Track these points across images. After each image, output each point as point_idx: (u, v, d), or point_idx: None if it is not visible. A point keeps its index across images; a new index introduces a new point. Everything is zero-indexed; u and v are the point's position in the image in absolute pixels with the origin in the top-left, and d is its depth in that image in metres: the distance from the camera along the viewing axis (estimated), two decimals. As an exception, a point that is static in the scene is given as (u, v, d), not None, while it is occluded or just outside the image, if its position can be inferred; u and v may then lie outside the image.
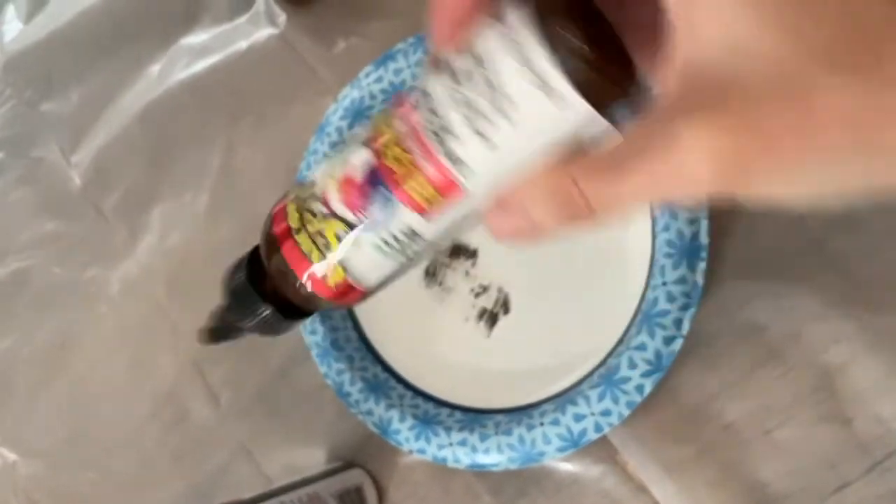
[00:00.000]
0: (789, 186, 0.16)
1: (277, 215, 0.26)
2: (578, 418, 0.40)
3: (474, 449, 0.43)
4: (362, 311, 0.49)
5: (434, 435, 0.44)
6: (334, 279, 0.25)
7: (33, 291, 0.62)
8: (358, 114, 0.49)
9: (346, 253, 0.25)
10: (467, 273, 0.46)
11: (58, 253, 0.61)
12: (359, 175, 0.23)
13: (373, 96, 0.48)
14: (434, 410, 0.45)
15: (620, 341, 0.41)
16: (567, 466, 0.43)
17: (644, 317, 0.40)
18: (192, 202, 0.57)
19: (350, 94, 0.49)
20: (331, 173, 0.25)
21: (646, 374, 0.39)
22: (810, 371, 0.39)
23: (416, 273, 0.48)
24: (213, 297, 0.54)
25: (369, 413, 0.46)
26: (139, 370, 0.56)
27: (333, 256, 0.25)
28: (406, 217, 0.23)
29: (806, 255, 0.39)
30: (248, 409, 0.52)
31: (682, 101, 0.16)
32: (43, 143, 0.64)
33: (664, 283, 0.39)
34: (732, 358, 0.40)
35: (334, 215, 0.24)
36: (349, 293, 0.26)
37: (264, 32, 0.56)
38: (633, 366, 0.40)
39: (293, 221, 0.25)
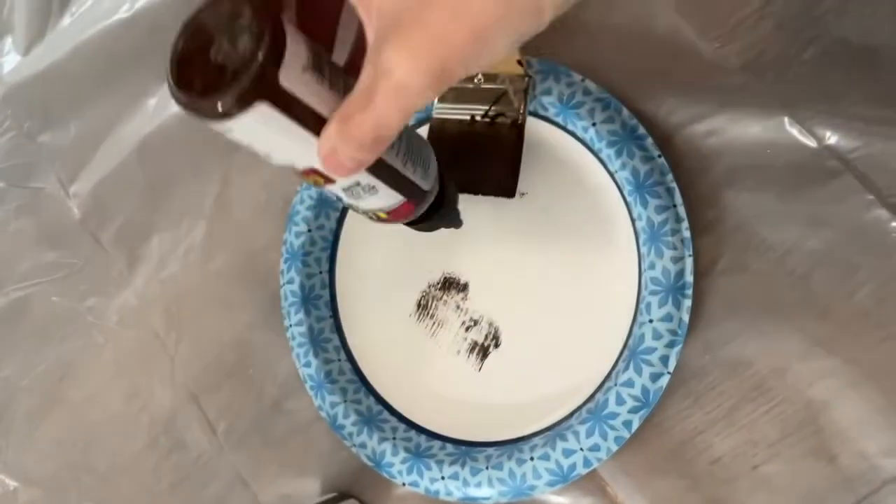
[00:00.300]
0: (479, 60, 0.21)
1: None
2: (568, 453, 0.41)
3: (466, 483, 0.43)
4: (356, 343, 0.49)
5: (426, 468, 0.44)
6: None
7: (33, 321, 0.63)
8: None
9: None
10: (458, 306, 0.47)
11: (57, 283, 0.62)
12: None
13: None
14: (426, 443, 0.46)
15: (608, 377, 0.42)
16: (557, 500, 0.43)
17: (631, 353, 0.40)
18: (188, 233, 0.57)
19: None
20: None
21: (633, 410, 0.40)
22: (796, 407, 0.39)
23: (409, 306, 0.48)
24: (209, 328, 0.55)
25: (363, 446, 0.46)
26: (137, 400, 0.57)
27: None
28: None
29: (790, 292, 0.40)
30: (244, 439, 0.53)
31: (379, 41, 0.21)
32: (42, 174, 0.64)
33: (650, 321, 0.40)
34: (719, 394, 0.40)
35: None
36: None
37: (259, 66, 0.57)
38: (620, 402, 0.40)
39: None
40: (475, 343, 0.46)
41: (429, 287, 0.48)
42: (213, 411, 0.54)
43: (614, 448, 0.40)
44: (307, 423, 0.50)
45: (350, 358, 0.49)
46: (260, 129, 0.24)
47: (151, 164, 0.60)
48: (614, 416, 0.40)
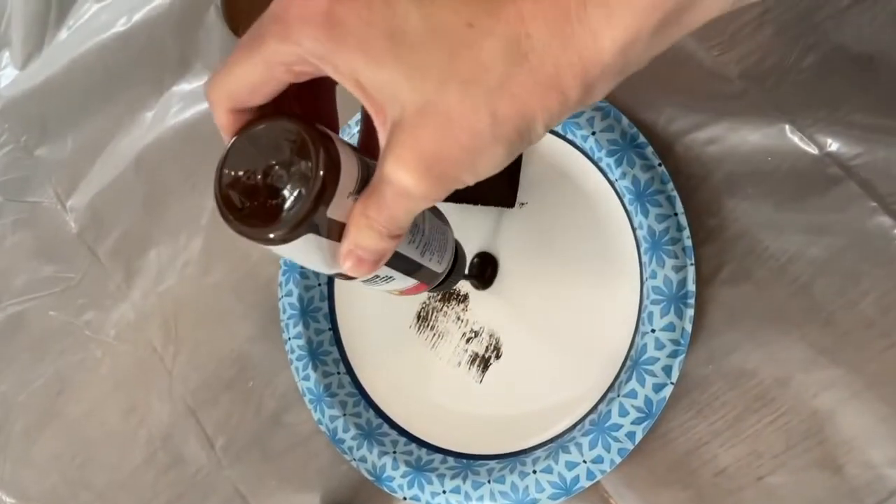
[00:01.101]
0: (476, 169, 0.23)
1: None
2: (571, 466, 0.40)
3: (468, 497, 0.43)
4: (355, 356, 0.49)
5: (427, 482, 0.44)
6: None
7: (30, 335, 0.62)
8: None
9: None
10: (459, 317, 0.47)
11: (54, 297, 0.62)
12: None
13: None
14: (427, 457, 0.45)
15: (611, 388, 0.41)
16: (560, 513, 0.43)
17: (633, 364, 0.40)
18: (186, 246, 0.57)
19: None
20: None
21: (637, 422, 0.40)
22: (800, 417, 0.39)
23: (408, 317, 0.48)
24: (207, 341, 0.54)
25: (363, 460, 0.46)
26: (134, 415, 0.56)
27: None
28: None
29: (793, 301, 0.39)
30: (242, 453, 0.52)
31: (385, 149, 0.23)
32: (39, 188, 0.64)
33: (653, 330, 0.40)
34: (723, 404, 0.40)
35: None
36: None
37: (256, 78, 0.57)
38: (624, 413, 0.40)
39: None
40: (476, 354, 0.46)
41: (429, 298, 0.48)
42: (212, 425, 0.54)
43: (618, 460, 0.40)
44: (306, 436, 0.50)
45: (349, 370, 0.49)
46: (298, 250, 0.25)
47: (148, 177, 0.60)
48: (618, 427, 0.40)
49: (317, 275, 0.50)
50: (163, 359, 0.56)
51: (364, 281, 0.30)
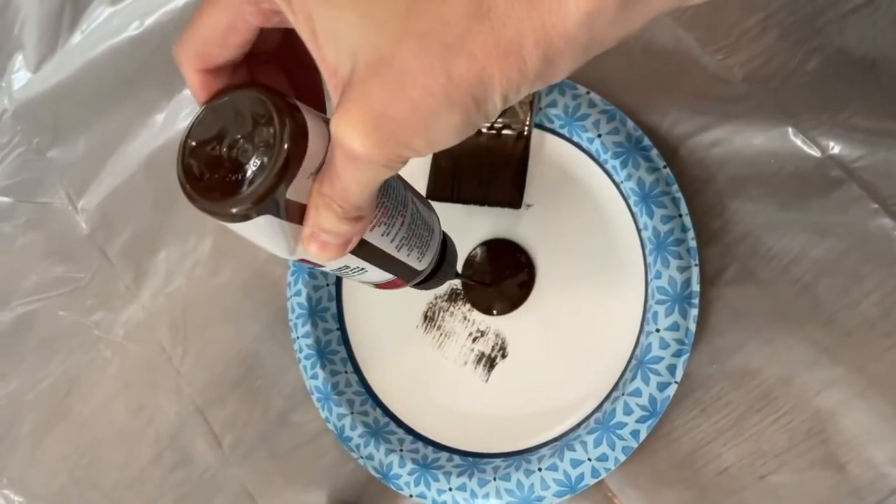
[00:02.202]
0: (429, 137, 0.21)
1: None
2: (576, 464, 0.41)
3: (474, 494, 0.43)
4: (362, 355, 0.50)
5: (434, 480, 0.44)
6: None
7: (39, 335, 0.63)
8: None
9: None
10: (465, 317, 0.47)
11: (64, 297, 0.62)
12: None
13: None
14: (434, 455, 0.46)
15: (615, 387, 0.42)
16: (565, 511, 0.43)
17: (638, 363, 0.40)
18: (195, 248, 0.58)
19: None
20: None
21: (641, 420, 0.40)
22: (803, 416, 0.39)
23: (415, 317, 0.48)
24: (215, 341, 0.55)
25: (370, 458, 0.46)
26: (143, 414, 0.57)
27: None
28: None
29: (796, 301, 0.40)
30: (250, 452, 0.53)
31: (333, 110, 0.21)
32: (50, 189, 0.65)
33: (657, 330, 0.40)
34: (726, 404, 0.40)
35: None
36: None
37: (266, 82, 0.58)
38: (628, 411, 0.40)
39: None
40: (482, 354, 0.46)
41: (435, 298, 0.48)
42: (219, 424, 0.54)
43: (622, 458, 0.40)
44: (313, 435, 0.50)
45: (357, 370, 0.49)
46: (260, 231, 0.23)
47: (159, 179, 0.60)
48: (622, 425, 0.40)
49: (325, 275, 0.50)
50: (171, 358, 0.57)
51: (334, 270, 0.29)
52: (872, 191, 0.39)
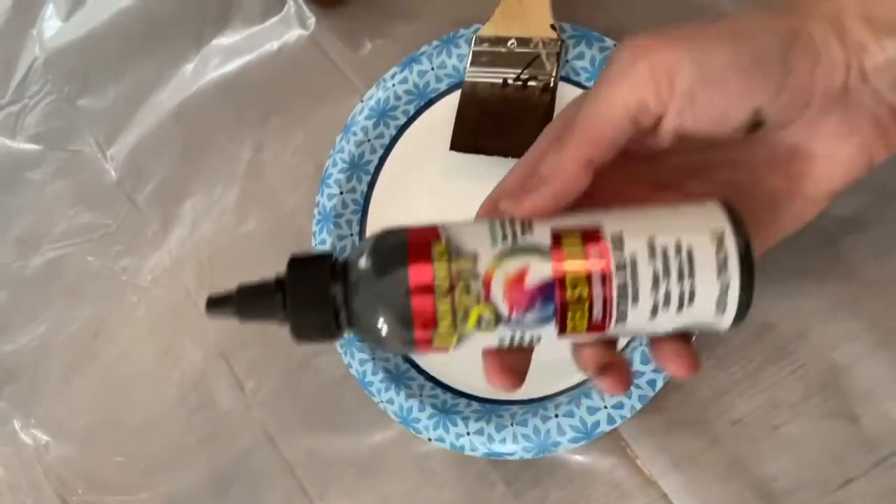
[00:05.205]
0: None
1: (417, 252, 0.26)
2: (592, 411, 0.42)
3: (491, 438, 0.44)
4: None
5: (452, 424, 0.45)
6: (442, 343, 0.27)
7: (68, 280, 0.64)
8: (383, 114, 0.51)
9: (475, 334, 0.26)
10: (486, 269, 0.48)
11: (92, 243, 0.63)
12: (532, 283, 0.26)
13: (397, 97, 0.50)
14: (452, 401, 0.47)
15: (634, 337, 0.42)
16: (579, 458, 0.44)
17: (657, 313, 0.41)
18: (221, 197, 0.59)
19: (375, 95, 0.51)
20: (501, 263, 0.26)
21: (658, 370, 0.41)
22: (819, 369, 0.40)
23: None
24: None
25: (390, 402, 0.47)
26: (168, 357, 0.58)
27: (461, 330, 0.26)
28: (548, 333, 0.27)
29: (816, 254, 0.40)
30: (271, 396, 0.54)
31: None
32: (80, 137, 0.66)
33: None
34: (742, 355, 0.41)
35: (488, 301, 0.26)
36: (431, 351, 0.28)
37: (294, 34, 0.58)
38: (646, 361, 0.41)
39: (440, 281, 0.26)
40: (502, 304, 0.47)
41: (457, 249, 0.49)
42: (242, 369, 0.55)
43: (638, 406, 0.41)
44: (335, 380, 0.52)
45: (378, 317, 0.50)
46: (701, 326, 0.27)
47: (187, 128, 0.61)
48: (639, 374, 0.41)
49: (349, 224, 0.51)
50: (196, 303, 0.58)
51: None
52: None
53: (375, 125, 0.51)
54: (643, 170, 0.30)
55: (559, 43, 0.45)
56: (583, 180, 0.27)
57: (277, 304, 0.28)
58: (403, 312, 0.26)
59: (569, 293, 0.25)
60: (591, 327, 0.26)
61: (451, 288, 0.26)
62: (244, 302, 0.29)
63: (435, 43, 0.50)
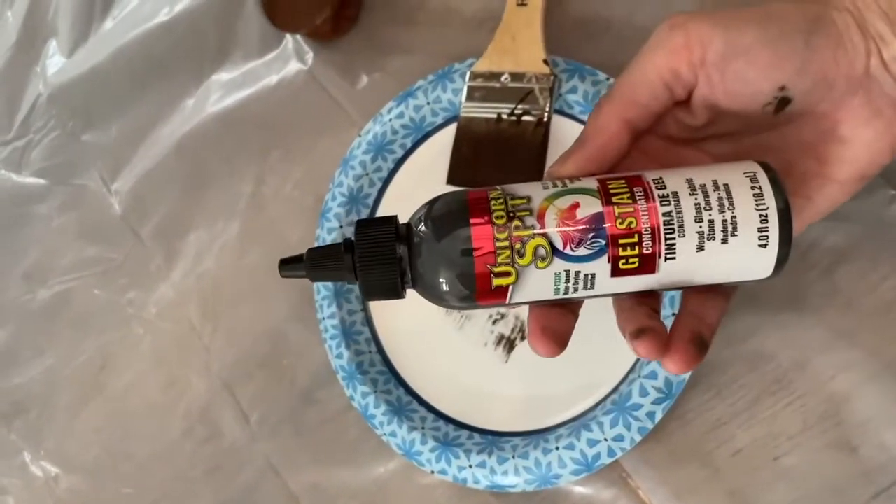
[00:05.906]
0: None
1: (476, 202, 0.28)
2: (592, 443, 0.42)
3: (493, 471, 0.44)
4: (386, 336, 0.51)
5: (454, 457, 0.45)
6: (501, 282, 0.28)
7: (75, 313, 0.65)
8: (380, 148, 0.51)
9: (532, 273, 0.28)
10: (486, 300, 0.48)
11: (98, 276, 0.64)
12: (585, 216, 0.27)
13: (394, 131, 0.51)
14: (454, 433, 0.47)
15: (632, 369, 0.43)
16: (581, 489, 0.44)
17: (654, 346, 0.41)
18: (223, 230, 0.59)
19: (373, 129, 0.51)
20: (553, 200, 0.28)
21: (657, 402, 0.41)
22: (817, 399, 0.40)
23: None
24: (242, 319, 0.57)
25: (393, 435, 0.48)
26: (173, 389, 0.59)
27: (518, 267, 0.28)
28: (600, 269, 0.27)
29: (813, 285, 0.40)
30: (276, 428, 0.54)
31: None
32: (85, 172, 0.67)
33: (674, 314, 0.41)
34: (740, 387, 0.41)
35: (545, 235, 0.27)
36: (491, 298, 0.29)
37: (293, 68, 0.59)
38: (644, 393, 0.41)
39: (498, 218, 0.28)
40: (502, 336, 0.47)
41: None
42: (247, 400, 0.56)
43: (637, 438, 0.41)
44: (338, 412, 0.52)
45: (380, 350, 0.51)
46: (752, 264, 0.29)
47: (189, 162, 0.62)
48: (638, 407, 0.41)
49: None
50: (201, 336, 0.58)
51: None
52: (889, 177, 0.39)
53: (373, 159, 0.51)
54: (679, 153, 0.32)
55: (552, 78, 0.45)
56: (621, 139, 0.29)
57: (346, 265, 0.30)
58: (465, 248, 0.28)
59: (619, 224, 0.27)
60: (643, 264, 0.27)
61: (510, 219, 0.27)
62: (315, 262, 0.31)
63: (430, 77, 0.50)
